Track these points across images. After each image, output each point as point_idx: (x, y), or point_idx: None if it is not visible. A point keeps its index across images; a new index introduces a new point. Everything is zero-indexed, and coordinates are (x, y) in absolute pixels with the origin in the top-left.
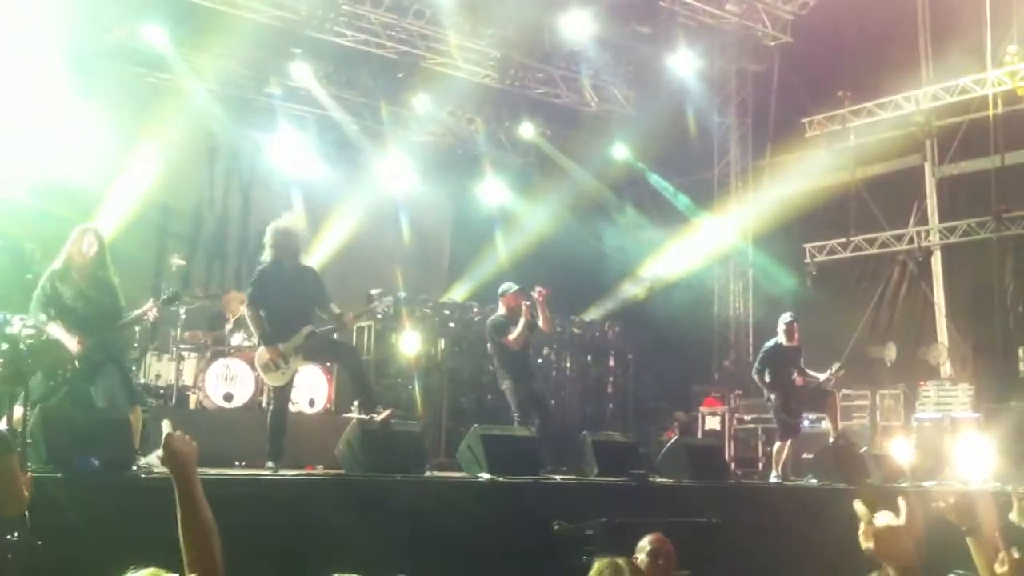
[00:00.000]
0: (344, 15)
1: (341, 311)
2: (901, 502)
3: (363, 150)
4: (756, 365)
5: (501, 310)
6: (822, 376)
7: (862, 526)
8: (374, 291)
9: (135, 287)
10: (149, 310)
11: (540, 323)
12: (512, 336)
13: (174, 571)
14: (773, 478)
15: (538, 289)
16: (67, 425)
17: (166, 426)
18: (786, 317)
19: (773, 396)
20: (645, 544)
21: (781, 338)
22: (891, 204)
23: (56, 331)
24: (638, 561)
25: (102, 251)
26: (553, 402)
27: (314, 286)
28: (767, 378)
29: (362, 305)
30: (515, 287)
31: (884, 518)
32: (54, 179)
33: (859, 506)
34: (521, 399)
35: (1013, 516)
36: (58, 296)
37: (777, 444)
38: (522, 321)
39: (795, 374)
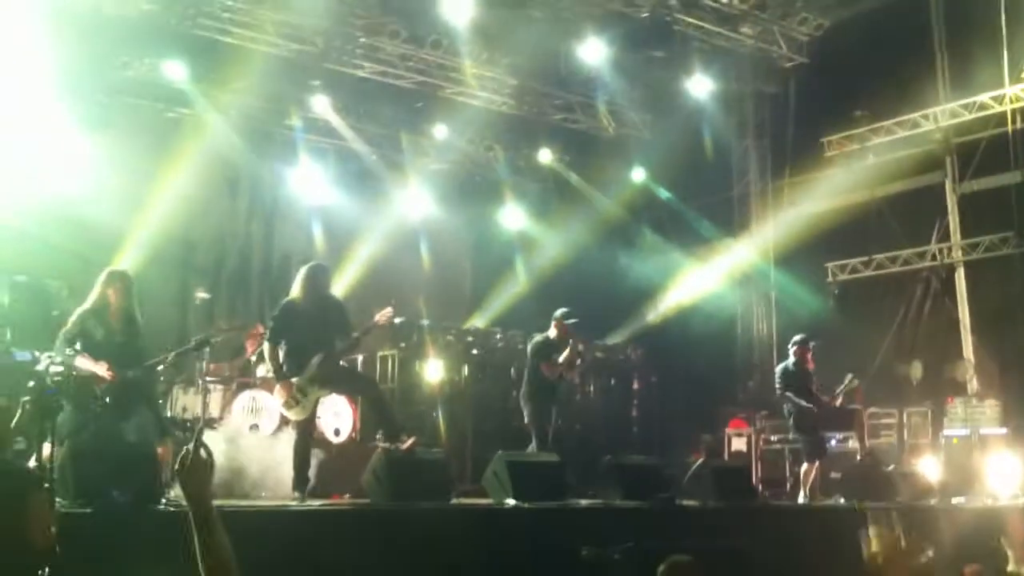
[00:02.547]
0: (361, 47)
1: (356, 335)
2: (896, 526)
3: (383, 179)
4: (778, 387)
5: (551, 333)
6: (837, 392)
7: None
8: (377, 311)
9: (160, 322)
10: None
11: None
12: (553, 363)
13: None
14: (801, 499)
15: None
16: (96, 459)
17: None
18: (796, 339)
19: (793, 417)
20: (663, 568)
21: (791, 360)
22: (912, 222)
23: (84, 363)
24: None
25: (131, 293)
26: (578, 426)
27: (336, 317)
28: (787, 397)
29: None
30: (572, 318)
31: (883, 541)
32: (76, 216)
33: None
34: (541, 426)
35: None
36: (89, 335)
37: (804, 465)
38: (566, 352)
39: (825, 397)
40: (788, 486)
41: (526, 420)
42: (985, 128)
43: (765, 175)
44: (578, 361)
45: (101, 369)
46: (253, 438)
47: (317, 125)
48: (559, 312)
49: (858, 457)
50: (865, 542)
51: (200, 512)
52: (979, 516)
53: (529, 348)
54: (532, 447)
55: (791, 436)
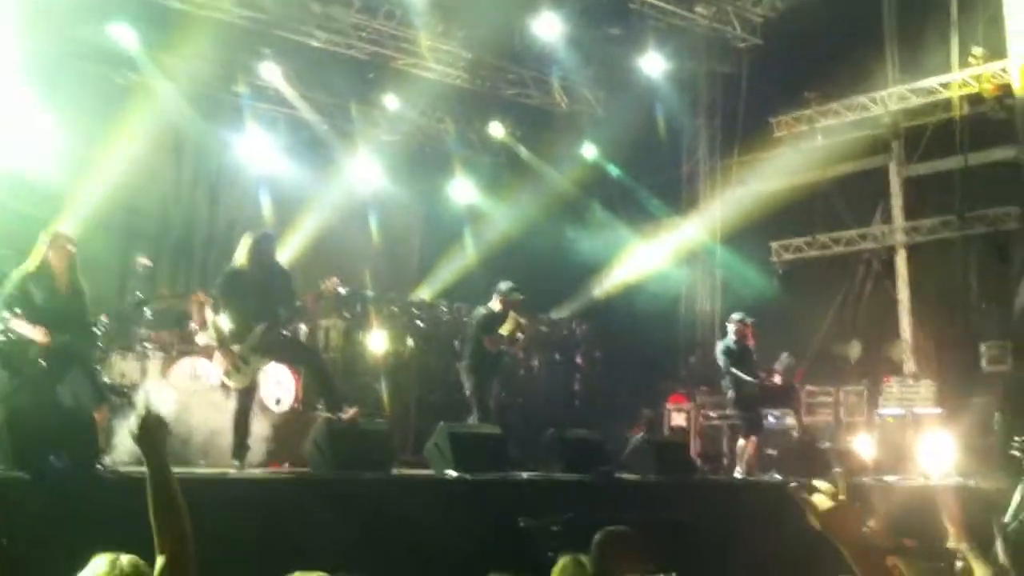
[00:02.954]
0: (314, 16)
1: (301, 304)
2: (838, 478)
3: (333, 149)
4: (722, 363)
5: (495, 306)
6: (774, 369)
7: (804, 504)
8: (324, 280)
9: (101, 287)
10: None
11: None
12: (495, 336)
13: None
14: (737, 474)
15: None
16: (33, 424)
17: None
18: (735, 316)
19: (731, 392)
20: (597, 539)
21: (731, 338)
22: (857, 203)
23: (21, 326)
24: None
25: (73, 256)
26: (521, 400)
27: (281, 286)
28: (733, 373)
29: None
30: (517, 292)
31: (821, 498)
32: (19, 177)
33: (796, 490)
34: (482, 399)
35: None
36: (29, 297)
37: (742, 441)
38: (508, 326)
39: (763, 373)
40: (726, 461)
41: (467, 392)
42: (932, 113)
43: (715, 154)
44: (519, 336)
45: (38, 334)
46: (192, 406)
47: (267, 93)
48: (503, 286)
49: (794, 434)
50: (808, 505)
51: (158, 473)
52: (912, 494)
53: (472, 321)
54: (473, 419)
55: (729, 412)
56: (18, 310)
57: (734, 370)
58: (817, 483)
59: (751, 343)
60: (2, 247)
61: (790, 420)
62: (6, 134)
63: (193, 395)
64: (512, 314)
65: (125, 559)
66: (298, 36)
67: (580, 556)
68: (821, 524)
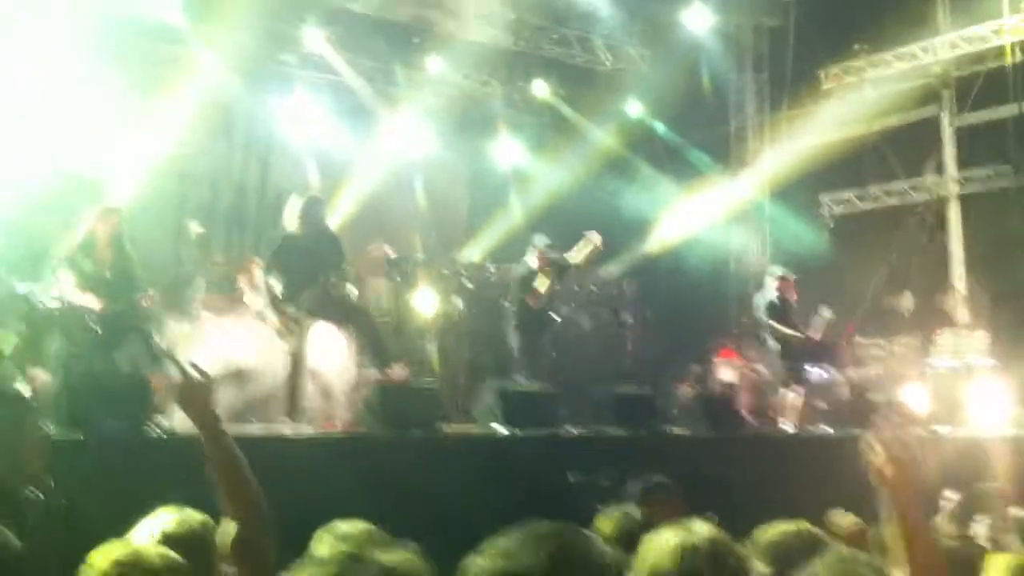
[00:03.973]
0: None
1: (354, 268)
2: (910, 440)
3: (378, 114)
4: (763, 318)
5: (532, 262)
6: (813, 325)
7: (878, 448)
8: (373, 245)
9: (155, 256)
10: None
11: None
12: (535, 293)
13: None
14: (788, 427)
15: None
16: (89, 388)
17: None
18: (775, 271)
19: (773, 346)
20: (637, 489)
21: (774, 294)
22: (909, 154)
23: (77, 295)
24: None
25: (120, 227)
26: (570, 358)
27: (331, 249)
28: (774, 327)
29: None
30: (551, 246)
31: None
32: (67, 153)
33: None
34: (529, 357)
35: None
36: (78, 268)
37: (789, 395)
38: (547, 281)
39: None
40: (775, 416)
41: (515, 351)
42: (984, 61)
43: (763, 108)
44: (556, 288)
45: (94, 302)
46: (245, 368)
47: (312, 60)
48: (538, 241)
49: (844, 388)
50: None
51: (212, 438)
52: (965, 446)
53: (511, 279)
54: (522, 378)
55: (772, 367)
56: (73, 279)
57: (774, 324)
58: (892, 436)
59: (793, 297)
60: (55, 224)
61: (838, 374)
62: (49, 109)
63: (246, 358)
64: (548, 267)
65: (196, 515)
66: (340, 1)
67: (628, 507)
68: (892, 472)
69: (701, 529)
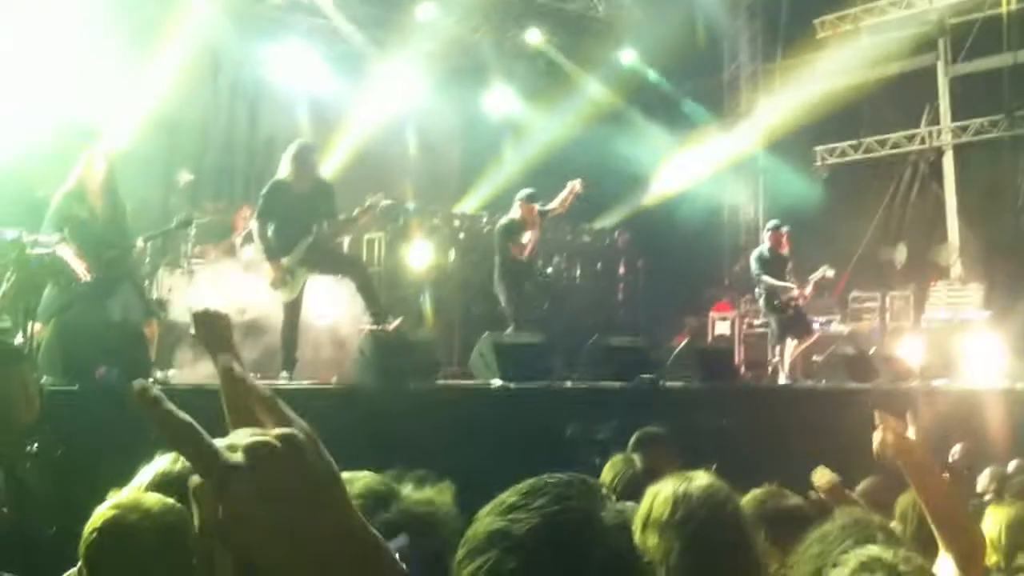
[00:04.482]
0: None
1: (346, 216)
2: (909, 417)
3: (369, 62)
4: (755, 271)
5: (515, 214)
6: (810, 280)
7: (880, 436)
8: (369, 194)
9: (145, 204)
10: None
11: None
12: (520, 244)
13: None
14: (782, 380)
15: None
16: (82, 337)
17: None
18: (770, 224)
19: (763, 299)
20: (633, 440)
21: (766, 246)
22: (903, 105)
23: (66, 254)
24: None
25: (111, 173)
26: (564, 309)
27: (324, 199)
28: (765, 282)
29: (360, 213)
30: (536, 199)
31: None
32: (55, 96)
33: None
34: (517, 308)
35: None
36: (73, 217)
37: (779, 346)
38: (533, 233)
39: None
40: (771, 369)
41: (503, 303)
42: (979, 9)
43: (756, 57)
44: (552, 206)
45: (80, 267)
46: (239, 319)
47: (300, 5)
48: (522, 193)
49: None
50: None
51: (226, 364)
52: (960, 398)
53: (496, 231)
54: (511, 329)
55: (764, 318)
56: (66, 230)
57: (765, 277)
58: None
59: (785, 250)
60: (44, 169)
61: (835, 326)
62: (37, 54)
63: (239, 307)
64: (535, 218)
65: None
66: None
67: (631, 455)
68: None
69: (699, 478)
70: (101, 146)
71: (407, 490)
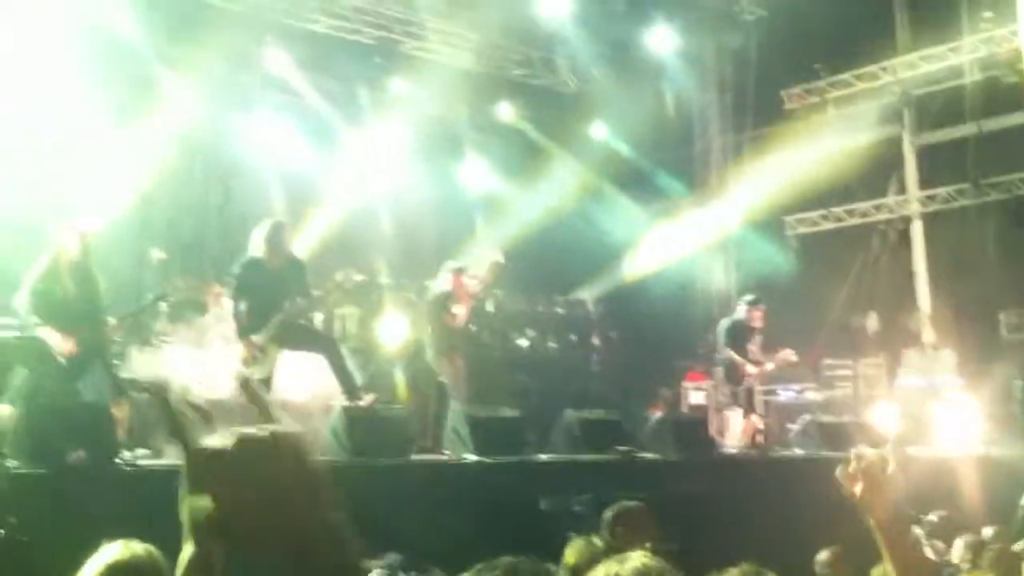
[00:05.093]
0: (317, 1)
1: (318, 294)
2: (888, 453)
3: (343, 136)
4: (721, 341)
5: (448, 285)
6: (771, 364)
7: (849, 467)
8: (340, 271)
9: (116, 280)
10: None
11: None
12: (452, 315)
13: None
14: (732, 449)
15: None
16: (52, 420)
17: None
18: (747, 297)
19: (722, 369)
20: (608, 515)
21: (739, 316)
22: (871, 174)
23: (48, 335)
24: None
25: (86, 250)
26: (537, 382)
27: (296, 275)
28: (726, 352)
29: (332, 288)
30: (465, 271)
31: (866, 468)
32: (30, 171)
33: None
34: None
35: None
36: (46, 294)
37: (736, 416)
38: (463, 306)
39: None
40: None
41: (439, 377)
42: (943, 80)
43: (726, 130)
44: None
45: (66, 345)
46: (211, 397)
47: (274, 81)
48: (452, 264)
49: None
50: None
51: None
52: (934, 465)
53: (428, 302)
54: (457, 404)
55: (721, 387)
56: (43, 311)
57: (728, 350)
58: (867, 450)
59: (757, 324)
60: (19, 245)
61: (811, 394)
62: (15, 128)
63: (211, 386)
64: (464, 290)
65: (139, 545)
66: (302, 22)
67: (592, 536)
68: (864, 491)
69: (633, 560)
70: (77, 223)
71: None
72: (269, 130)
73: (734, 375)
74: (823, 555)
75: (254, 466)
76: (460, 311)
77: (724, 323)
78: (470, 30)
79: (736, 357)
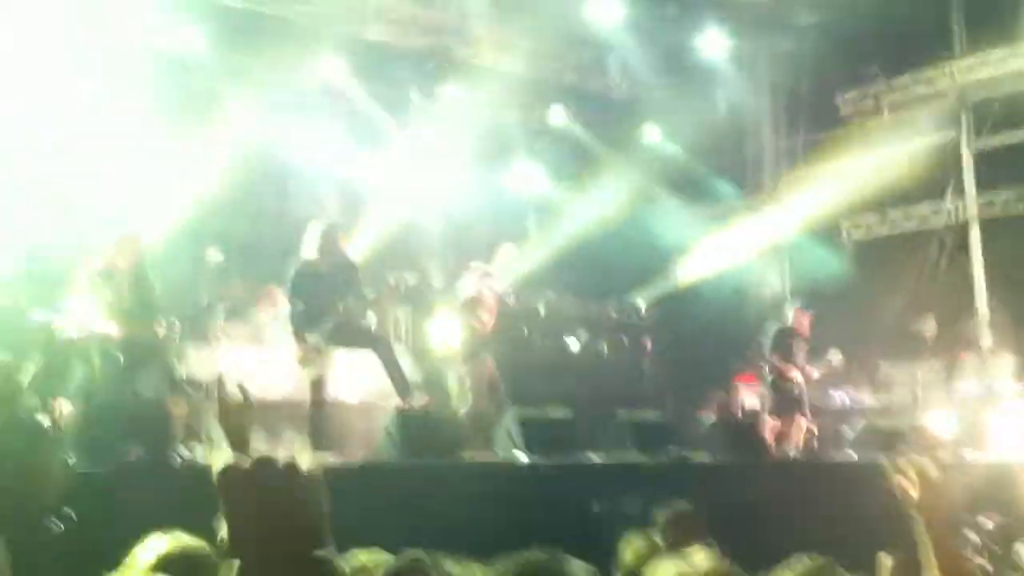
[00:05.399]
0: (372, 8)
1: (371, 295)
2: (941, 458)
3: (395, 142)
4: (768, 346)
5: (474, 290)
6: (816, 372)
7: (906, 475)
8: (394, 273)
9: (172, 283)
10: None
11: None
12: (480, 319)
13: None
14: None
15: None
16: (109, 418)
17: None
18: (796, 303)
19: (771, 374)
20: (660, 518)
21: (787, 323)
22: (929, 178)
23: (98, 323)
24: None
25: (140, 256)
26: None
27: (350, 277)
28: (773, 358)
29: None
30: (491, 275)
31: (918, 474)
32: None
33: (892, 465)
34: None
35: None
36: (101, 295)
37: (779, 422)
38: (489, 308)
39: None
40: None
41: (468, 382)
42: (1002, 83)
43: (779, 134)
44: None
45: (110, 328)
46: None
47: (328, 88)
48: (478, 268)
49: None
50: (903, 480)
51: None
52: (991, 472)
53: (459, 308)
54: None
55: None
56: (91, 308)
57: (772, 356)
58: (918, 459)
59: (805, 331)
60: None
61: (867, 400)
62: (73, 140)
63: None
64: (490, 295)
65: (188, 536)
66: (357, 29)
67: (650, 533)
68: (920, 495)
69: (699, 559)
70: (135, 232)
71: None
72: (323, 135)
73: (779, 381)
74: (888, 561)
75: (268, 490)
76: (487, 316)
77: (771, 328)
78: (521, 36)
79: (781, 363)
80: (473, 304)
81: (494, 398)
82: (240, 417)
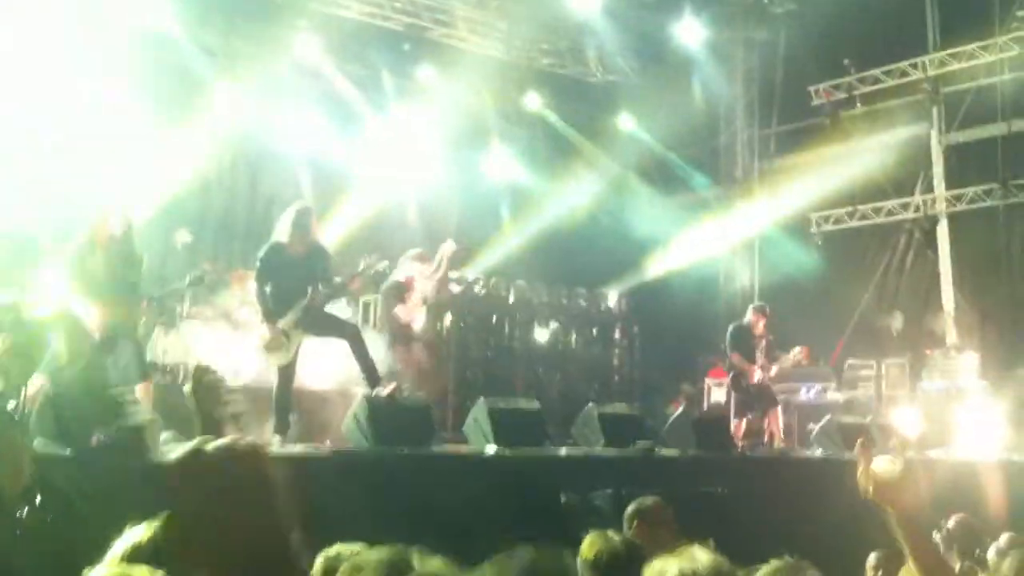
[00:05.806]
0: None
1: (341, 280)
2: (898, 451)
3: (370, 124)
4: (727, 344)
5: (400, 277)
6: (775, 368)
7: (861, 468)
8: (364, 257)
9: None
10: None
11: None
12: (406, 306)
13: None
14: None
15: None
16: (77, 400)
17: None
18: (755, 304)
19: (731, 372)
20: (629, 510)
21: (744, 321)
22: (898, 172)
23: (84, 309)
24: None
25: (128, 231)
26: (558, 375)
27: (321, 262)
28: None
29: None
30: (424, 256)
31: (882, 462)
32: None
33: (859, 448)
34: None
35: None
36: (87, 270)
37: (737, 420)
38: (417, 297)
39: (759, 364)
40: (766, 437)
41: (396, 366)
42: (973, 78)
43: (752, 124)
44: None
45: (93, 319)
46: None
47: (303, 68)
48: (410, 253)
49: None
50: (867, 472)
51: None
52: (956, 469)
53: (380, 293)
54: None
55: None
56: (80, 283)
57: (733, 354)
58: (881, 458)
59: (760, 331)
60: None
61: (831, 395)
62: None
63: (234, 370)
64: (416, 280)
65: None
66: (332, 8)
67: (609, 531)
68: (877, 493)
69: (702, 557)
70: (120, 206)
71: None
72: (298, 117)
73: (740, 380)
74: (873, 558)
75: (205, 479)
76: (412, 301)
77: (731, 328)
78: (499, 19)
79: (739, 364)
80: (398, 289)
81: (429, 385)
82: (214, 401)
